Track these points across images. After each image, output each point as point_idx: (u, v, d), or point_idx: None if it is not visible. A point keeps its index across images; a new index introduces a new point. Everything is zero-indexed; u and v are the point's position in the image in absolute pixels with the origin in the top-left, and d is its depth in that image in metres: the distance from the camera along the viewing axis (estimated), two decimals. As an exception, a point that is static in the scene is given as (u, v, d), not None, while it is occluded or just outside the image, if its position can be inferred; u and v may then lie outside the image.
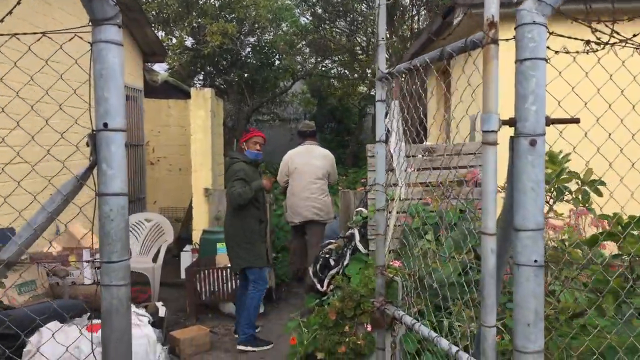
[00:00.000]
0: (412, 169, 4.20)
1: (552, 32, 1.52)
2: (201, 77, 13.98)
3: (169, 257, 7.19)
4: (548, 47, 1.43)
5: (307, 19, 13.98)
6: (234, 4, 12.27)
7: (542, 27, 1.39)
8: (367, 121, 15.38)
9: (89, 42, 1.59)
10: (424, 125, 7.15)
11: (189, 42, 13.01)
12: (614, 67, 1.72)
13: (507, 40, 1.48)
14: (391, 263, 3.30)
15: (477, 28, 1.50)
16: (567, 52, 1.63)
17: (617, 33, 1.68)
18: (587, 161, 1.78)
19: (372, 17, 12.65)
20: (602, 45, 1.63)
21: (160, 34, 12.11)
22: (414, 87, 2.18)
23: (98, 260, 1.56)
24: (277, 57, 13.76)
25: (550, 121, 1.42)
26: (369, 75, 13.72)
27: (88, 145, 1.58)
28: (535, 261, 1.40)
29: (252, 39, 13.75)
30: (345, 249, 5.12)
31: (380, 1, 2.24)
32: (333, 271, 5.06)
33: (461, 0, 5.33)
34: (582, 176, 2.25)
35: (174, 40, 12.62)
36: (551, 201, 2.34)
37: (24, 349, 3.34)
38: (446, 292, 2.45)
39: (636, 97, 1.90)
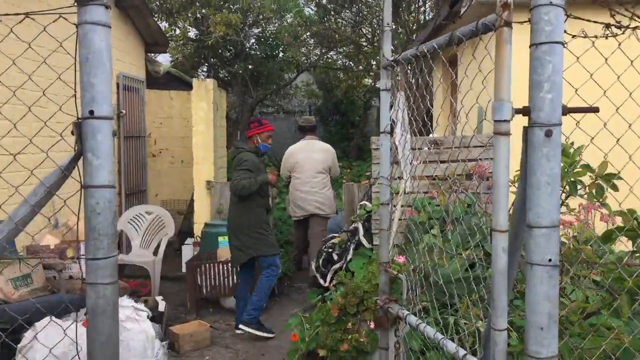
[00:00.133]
0: (418, 162, 4.10)
1: (570, 15, 1.41)
2: (205, 69, 13.85)
3: (170, 251, 7.13)
4: (565, 31, 1.33)
5: (312, 9, 13.80)
6: (237, -6, 12.12)
7: (559, 9, 1.29)
8: (372, 114, 15.26)
9: (74, 24, 1.49)
10: (431, 115, 7.04)
11: (192, 33, 12.88)
12: (635, 52, 1.61)
13: (521, 23, 1.37)
14: (395, 258, 3.21)
15: (485, 17, 1.39)
16: (586, 37, 1.52)
17: (638, 17, 1.57)
18: (606, 154, 1.67)
19: (377, 8, 12.48)
20: (622, 30, 1.53)
21: (164, 24, 11.98)
22: (420, 75, 2.08)
23: (83, 256, 1.47)
24: (281, 48, 13.60)
25: (567, 110, 1.32)
26: (373, 67, 13.56)
27: (73, 134, 1.49)
28: (550, 260, 1.31)
29: (256, 30, 13.60)
30: (349, 243, 5.03)
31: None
32: (336, 266, 4.98)
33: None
34: (596, 170, 2.14)
35: (177, 31, 12.49)
36: (563, 196, 2.23)
37: (19, 344, 3.27)
38: (452, 289, 2.36)
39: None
